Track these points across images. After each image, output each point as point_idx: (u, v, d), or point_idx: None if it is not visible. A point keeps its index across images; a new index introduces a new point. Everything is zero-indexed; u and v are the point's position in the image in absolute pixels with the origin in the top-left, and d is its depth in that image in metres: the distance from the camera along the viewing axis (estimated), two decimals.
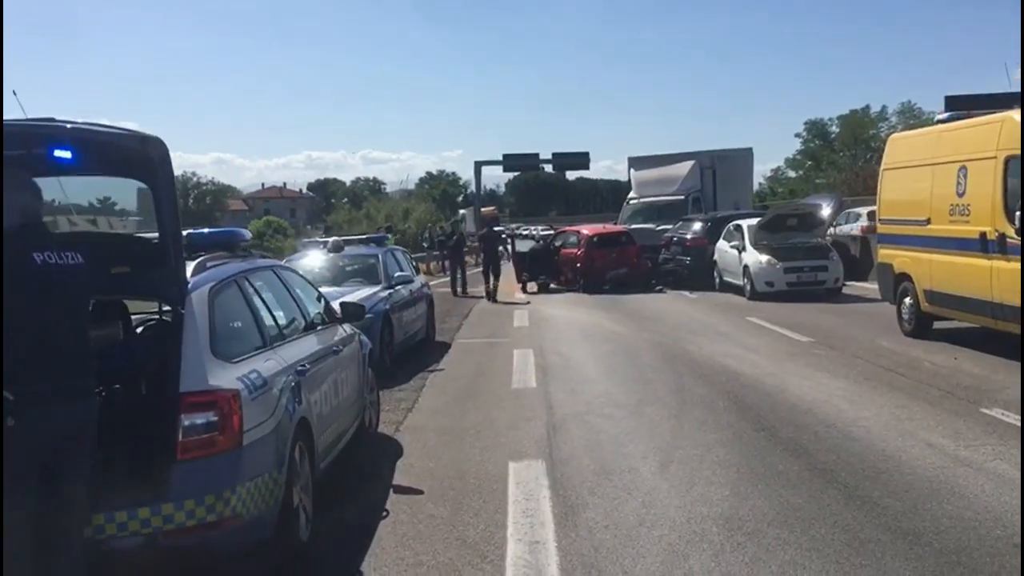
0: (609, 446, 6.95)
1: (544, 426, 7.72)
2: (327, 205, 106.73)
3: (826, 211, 19.90)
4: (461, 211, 71.92)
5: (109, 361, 4.47)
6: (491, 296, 20.78)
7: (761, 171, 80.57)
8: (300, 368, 5.24)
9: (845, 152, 67.98)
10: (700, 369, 10.26)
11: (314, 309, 6.52)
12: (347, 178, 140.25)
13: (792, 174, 75.13)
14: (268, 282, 5.76)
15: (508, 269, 23.45)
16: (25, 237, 3.47)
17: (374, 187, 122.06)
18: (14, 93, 4.25)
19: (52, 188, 4.75)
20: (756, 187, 44.14)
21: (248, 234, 6.22)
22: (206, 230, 6.13)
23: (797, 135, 73.91)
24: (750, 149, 29.20)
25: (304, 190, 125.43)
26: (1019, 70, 45.34)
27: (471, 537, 5.08)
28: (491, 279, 21.06)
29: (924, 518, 5.02)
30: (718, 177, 26.99)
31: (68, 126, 4.02)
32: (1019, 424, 6.98)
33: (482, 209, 52.89)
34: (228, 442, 4.12)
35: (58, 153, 4.05)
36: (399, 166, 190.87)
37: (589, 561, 4.62)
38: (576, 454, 6.74)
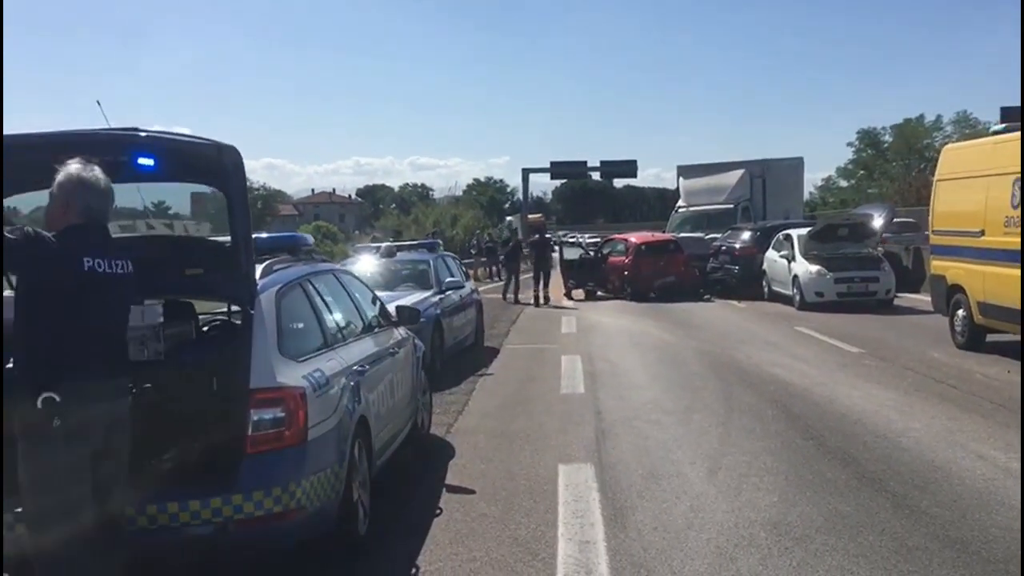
0: (657, 451, 7.05)
1: (593, 431, 7.84)
2: (375, 211, 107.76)
3: (878, 221, 19.72)
4: (508, 218, 72.17)
5: (182, 358, 4.71)
6: (540, 301, 21.30)
7: (812, 180, 79.82)
8: (359, 368, 5.44)
9: (898, 162, 66.86)
10: (748, 378, 10.29)
11: (371, 312, 6.72)
12: (395, 184, 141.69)
13: (844, 184, 74.13)
14: (329, 285, 5.97)
15: (555, 275, 23.68)
16: (79, 239, 3.58)
17: (422, 193, 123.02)
18: (98, 103, 4.48)
19: (132, 195, 5.01)
20: (807, 196, 43.66)
21: (311, 239, 6.46)
22: (264, 234, 6.36)
23: (849, 144, 72.92)
24: (801, 158, 28.96)
25: (353, 196, 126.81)
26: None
27: (522, 536, 5.22)
28: (541, 285, 21.58)
29: (973, 528, 5.05)
30: (768, 186, 26.81)
31: (149, 135, 4.25)
32: None
33: (529, 216, 53.19)
34: (294, 437, 4.31)
35: (141, 161, 4.28)
36: (446, 172, 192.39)
37: (638, 561, 4.73)
38: (624, 458, 6.85)
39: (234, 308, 5.22)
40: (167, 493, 4.12)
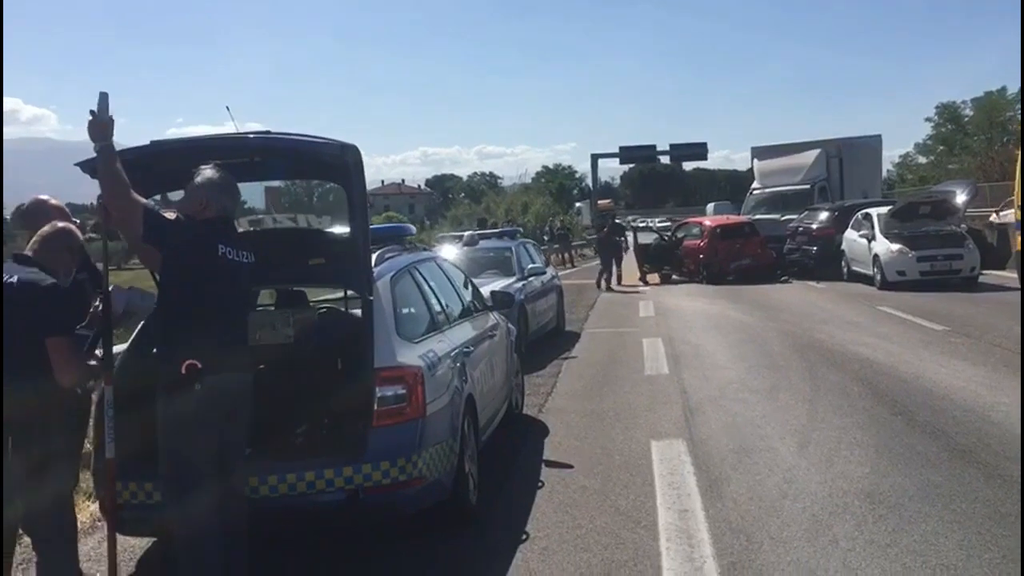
0: (746, 428, 7.25)
1: (681, 409, 8.07)
2: (445, 200, 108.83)
3: (961, 198, 19.41)
4: (577, 204, 72.16)
5: (309, 341, 5.12)
6: (619, 281, 22.66)
7: (889, 157, 77.74)
8: (465, 350, 5.79)
9: (979, 136, 64.72)
10: (832, 357, 10.37)
11: (468, 297, 7.07)
12: (462, 173, 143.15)
13: (922, 160, 72.15)
14: (432, 272, 6.33)
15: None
16: (215, 230, 4.08)
17: (491, 182, 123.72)
18: (227, 108, 4.87)
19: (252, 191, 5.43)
20: (884, 174, 42.62)
21: (413, 229, 6.82)
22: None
23: (928, 119, 70.89)
24: (879, 136, 28.50)
25: (422, 186, 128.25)
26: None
27: (623, 506, 5.50)
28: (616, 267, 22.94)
29: None
30: (845, 165, 26.46)
31: (278, 137, 4.63)
32: None
33: (599, 202, 53.20)
34: (414, 412, 4.67)
35: (273, 161, 4.67)
36: (513, 160, 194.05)
37: (737, 527, 4.97)
38: (714, 434, 7.08)
39: (350, 294, 5.61)
40: (304, 463, 4.52)
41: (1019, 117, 51.55)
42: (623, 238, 24.69)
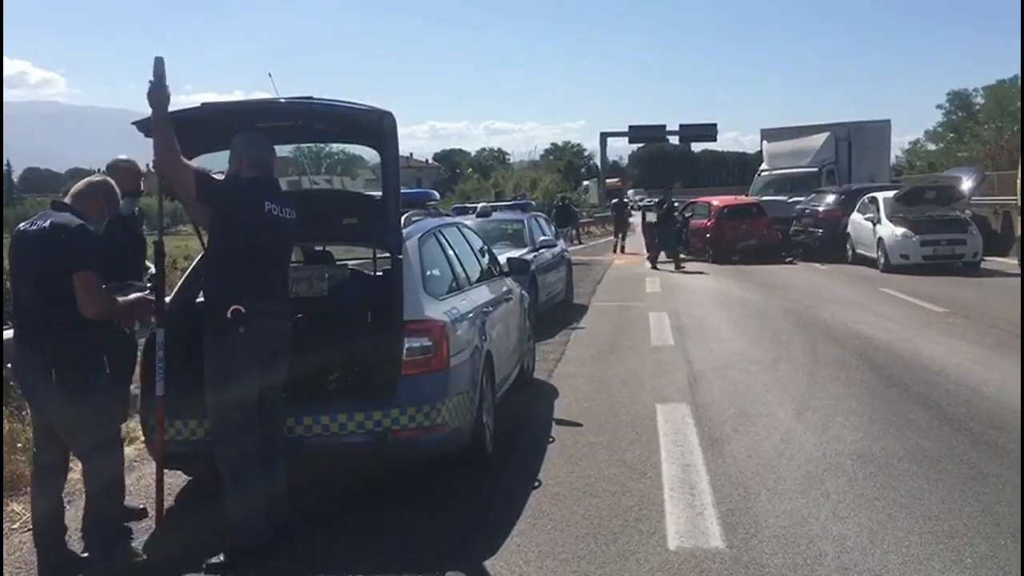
0: (747, 395, 7.60)
1: (685, 377, 8.42)
2: (452, 175, 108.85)
3: (967, 184, 19.64)
4: (584, 182, 72.27)
5: (342, 295, 5.47)
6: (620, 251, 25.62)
7: (898, 144, 77.86)
8: (485, 310, 6.13)
9: (990, 124, 64.74)
10: (832, 333, 10.70)
11: (486, 262, 7.41)
12: (471, 148, 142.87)
13: (932, 147, 72.17)
14: (453, 236, 6.66)
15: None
16: (259, 188, 4.43)
17: (499, 158, 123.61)
18: (270, 75, 5.18)
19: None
20: (893, 160, 42.83)
21: (437, 195, 7.15)
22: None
23: (938, 106, 70.98)
24: (888, 121, 28.70)
25: (429, 160, 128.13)
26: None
27: (630, 459, 5.86)
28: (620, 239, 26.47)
29: None
30: (854, 149, 26.71)
31: (321, 103, 4.96)
32: None
33: (607, 180, 53.34)
34: (439, 362, 5.01)
35: (316, 125, 5.00)
36: (521, 137, 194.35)
37: (736, 481, 5.33)
38: (717, 400, 7.43)
39: (378, 253, 5.95)
40: (336, 406, 4.88)
41: None
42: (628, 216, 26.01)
